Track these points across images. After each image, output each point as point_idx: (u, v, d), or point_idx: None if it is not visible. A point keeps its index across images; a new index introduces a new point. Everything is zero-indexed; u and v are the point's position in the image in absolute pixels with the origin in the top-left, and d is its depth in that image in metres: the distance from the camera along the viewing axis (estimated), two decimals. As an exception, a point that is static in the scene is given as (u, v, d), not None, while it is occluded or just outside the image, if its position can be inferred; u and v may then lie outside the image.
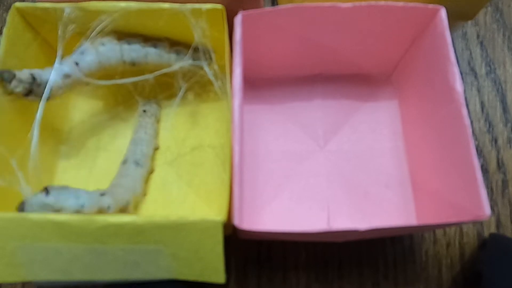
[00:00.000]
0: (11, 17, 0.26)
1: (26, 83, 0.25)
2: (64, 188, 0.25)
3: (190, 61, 0.29)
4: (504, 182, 0.33)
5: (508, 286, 0.26)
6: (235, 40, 0.26)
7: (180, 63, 0.29)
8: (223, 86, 0.29)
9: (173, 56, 0.29)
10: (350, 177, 0.31)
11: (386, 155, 0.32)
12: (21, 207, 0.24)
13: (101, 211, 0.26)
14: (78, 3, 0.26)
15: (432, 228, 0.29)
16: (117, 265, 0.22)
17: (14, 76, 0.25)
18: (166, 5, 0.26)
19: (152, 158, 0.31)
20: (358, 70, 0.33)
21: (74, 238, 0.22)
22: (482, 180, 0.23)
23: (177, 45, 0.30)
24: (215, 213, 0.29)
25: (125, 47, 0.28)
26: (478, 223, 0.32)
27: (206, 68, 0.29)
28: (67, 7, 0.26)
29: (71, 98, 0.32)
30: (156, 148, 0.31)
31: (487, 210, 0.22)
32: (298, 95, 0.33)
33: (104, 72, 0.28)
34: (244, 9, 0.26)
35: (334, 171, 0.31)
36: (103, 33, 0.28)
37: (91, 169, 0.31)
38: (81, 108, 0.33)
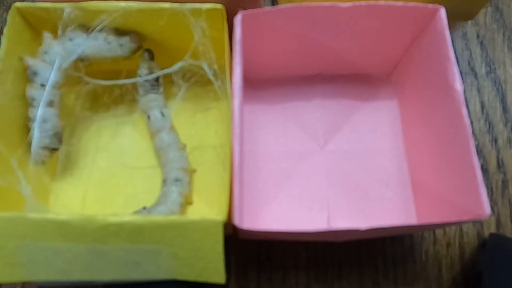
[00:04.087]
0: (11, 17, 0.26)
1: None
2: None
3: (190, 61, 0.29)
4: (504, 182, 0.33)
5: (508, 286, 0.26)
6: (235, 40, 0.26)
7: (180, 63, 0.29)
8: (223, 86, 0.29)
9: (114, 44, 0.28)
10: (350, 177, 0.31)
11: (386, 154, 0.32)
12: None
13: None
14: (78, 3, 0.26)
15: (432, 227, 0.29)
16: (117, 265, 0.22)
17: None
18: (166, 5, 0.26)
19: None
20: (358, 70, 0.33)
21: (74, 238, 0.22)
22: (482, 179, 0.23)
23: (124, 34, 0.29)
24: (215, 213, 0.29)
25: (68, 44, 0.27)
26: (478, 223, 0.32)
27: (206, 68, 0.29)
28: (67, 7, 0.26)
29: (71, 98, 0.32)
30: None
31: (487, 210, 0.23)
32: (298, 95, 0.33)
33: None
34: (244, 9, 0.26)
35: (334, 171, 0.31)
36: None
37: (91, 169, 0.31)
38: (81, 108, 0.33)
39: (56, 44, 0.27)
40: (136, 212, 0.28)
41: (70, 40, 0.27)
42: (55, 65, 0.27)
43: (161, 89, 0.31)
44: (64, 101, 0.32)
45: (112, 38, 0.28)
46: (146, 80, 0.30)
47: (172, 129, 0.31)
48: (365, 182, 0.31)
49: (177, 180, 0.29)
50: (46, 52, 0.27)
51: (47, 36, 0.27)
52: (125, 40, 0.28)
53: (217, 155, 0.31)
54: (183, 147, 0.30)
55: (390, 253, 0.31)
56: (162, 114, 0.30)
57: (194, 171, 0.31)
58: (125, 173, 0.31)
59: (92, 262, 0.22)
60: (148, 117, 0.30)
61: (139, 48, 0.30)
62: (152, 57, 0.30)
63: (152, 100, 0.30)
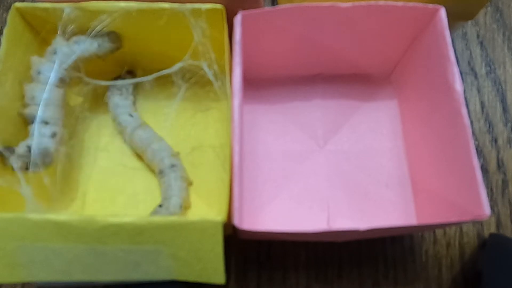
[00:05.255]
0: (11, 17, 0.26)
1: (25, 157, 0.25)
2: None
3: (190, 61, 0.29)
4: (504, 182, 0.33)
5: (508, 286, 0.26)
6: (235, 40, 0.26)
7: (180, 63, 0.29)
8: (223, 86, 0.29)
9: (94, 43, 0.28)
10: (350, 177, 0.31)
11: (386, 155, 0.32)
12: None
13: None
14: (78, 3, 0.26)
15: (432, 228, 0.29)
16: (117, 266, 0.22)
17: (13, 151, 0.25)
18: (166, 5, 0.26)
19: None
20: (358, 70, 0.33)
21: (74, 238, 0.22)
22: (482, 180, 0.23)
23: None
24: (215, 213, 0.29)
25: (75, 47, 0.28)
26: (478, 223, 0.32)
27: (206, 68, 0.29)
28: (67, 7, 0.26)
29: (71, 98, 0.32)
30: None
31: (487, 210, 0.22)
32: (298, 95, 0.33)
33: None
34: (244, 9, 0.26)
35: (333, 171, 0.31)
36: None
37: (92, 169, 0.31)
38: (81, 108, 0.33)
39: (65, 46, 0.27)
40: (154, 212, 0.28)
41: (77, 43, 0.27)
42: (55, 64, 0.27)
43: (130, 97, 0.31)
44: (64, 101, 0.32)
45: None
46: (116, 88, 0.31)
47: (145, 124, 0.31)
48: (365, 182, 0.31)
49: (172, 166, 0.29)
50: (55, 53, 0.27)
51: (57, 39, 0.27)
52: (103, 40, 0.28)
53: (217, 155, 0.31)
54: (162, 138, 0.31)
55: (390, 253, 0.31)
56: (131, 116, 0.31)
57: (190, 183, 0.31)
58: (125, 173, 0.31)
59: (92, 263, 0.22)
60: (119, 123, 0.31)
61: (117, 48, 0.29)
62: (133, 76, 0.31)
63: (118, 106, 0.31)
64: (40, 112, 0.26)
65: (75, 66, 0.28)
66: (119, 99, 0.31)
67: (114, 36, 0.29)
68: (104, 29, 0.28)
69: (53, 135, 0.27)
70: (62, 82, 0.27)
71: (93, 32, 0.28)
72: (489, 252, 0.29)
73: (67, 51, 0.27)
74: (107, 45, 0.28)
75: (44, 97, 0.26)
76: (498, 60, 0.37)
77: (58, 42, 0.27)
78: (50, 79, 0.26)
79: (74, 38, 0.27)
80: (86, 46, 0.28)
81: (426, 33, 0.28)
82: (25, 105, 0.27)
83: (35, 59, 0.27)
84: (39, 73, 0.26)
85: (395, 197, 0.31)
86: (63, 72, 0.27)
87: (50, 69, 0.27)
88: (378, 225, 0.23)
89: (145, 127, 0.30)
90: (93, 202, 0.30)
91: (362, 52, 0.31)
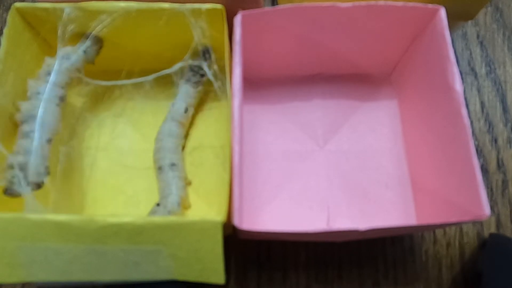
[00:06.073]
0: (11, 17, 0.26)
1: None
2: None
3: (190, 61, 0.29)
4: (504, 182, 0.33)
5: (508, 286, 0.26)
6: (235, 40, 0.26)
7: (180, 63, 0.29)
8: (223, 86, 0.29)
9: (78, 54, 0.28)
10: (350, 177, 0.31)
11: (386, 155, 0.32)
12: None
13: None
14: (78, 3, 0.26)
15: (432, 228, 0.29)
16: (117, 266, 0.22)
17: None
18: (166, 5, 0.26)
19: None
20: (358, 69, 0.33)
21: (74, 238, 0.22)
22: (482, 180, 0.23)
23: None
24: (215, 213, 0.29)
25: (65, 63, 0.28)
26: (478, 223, 0.32)
27: (206, 68, 0.29)
28: (67, 7, 0.26)
29: (71, 98, 0.32)
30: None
31: (487, 210, 0.23)
32: (298, 95, 0.33)
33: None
34: (244, 9, 0.26)
35: (333, 171, 0.31)
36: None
37: (92, 169, 0.31)
38: (81, 108, 0.33)
39: (57, 65, 0.27)
40: (153, 212, 0.28)
41: (66, 58, 0.27)
42: (51, 84, 0.27)
43: (200, 87, 0.31)
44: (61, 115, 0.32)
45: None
46: (194, 75, 0.30)
47: (183, 125, 0.31)
48: (365, 182, 0.31)
49: (172, 165, 0.29)
50: (48, 74, 0.27)
51: (48, 59, 0.27)
52: (87, 45, 0.28)
53: (217, 156, 0.31)
54: (182, 143, 0.30)
55: (390, 253, 0.31)
56: (185, 110, 0.30)
57: (189, 183, 0.31)
58: (125, 173, 0.31)
59: (92, 263, 0.22)
60: (173, 104, 0.30)
61: (101, 47, 0.29)
62: (208, 56, 0.30)
63: (186, 92, 0.30)
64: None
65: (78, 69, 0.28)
66: (193, 91, 0.30)
67: (95, 38, 0.29)
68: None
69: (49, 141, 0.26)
70: (61, 99, 0.27)
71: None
72: (489, 252, 0.29)
73: (59, 69, 0.27)
74: (92, 49, 0.28)
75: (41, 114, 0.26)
76: (498, 60, 0.37)
77: (50, 63, 0.27)
78: (48, 97, 0.27)
79: (62, 54, 0.27)
80: (75, 58, 0.28)
81: (426, 33, 0.28)
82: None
83: (31, 82, 0.27)
84: (38, 93, 0.26)
85: (395, 197, 0.31)
86: (61, 90, 0.27)
87: (48, 89, 0.27)
88: (378, 225, 0.23)
89: (177, 125, 0.30)
90: (93, 202, 0.30)
91: (362, 52, 0.31)
